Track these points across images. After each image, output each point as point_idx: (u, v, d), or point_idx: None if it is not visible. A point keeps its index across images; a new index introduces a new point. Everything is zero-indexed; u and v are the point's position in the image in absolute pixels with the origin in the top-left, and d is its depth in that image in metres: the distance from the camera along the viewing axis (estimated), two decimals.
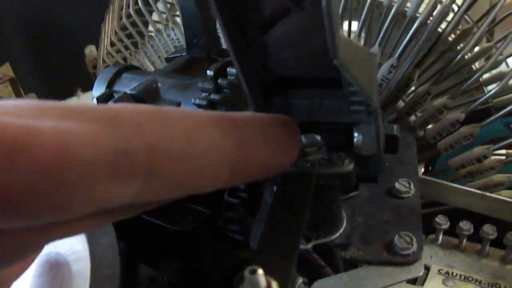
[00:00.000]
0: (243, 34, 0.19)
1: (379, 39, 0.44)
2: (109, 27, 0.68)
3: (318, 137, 0.22)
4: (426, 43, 0.42)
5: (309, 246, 0.24)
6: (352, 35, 0.52)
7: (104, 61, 0.68)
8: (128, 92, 0.34)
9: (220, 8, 0.17)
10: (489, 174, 0.44)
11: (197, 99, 0.31)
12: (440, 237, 0.39)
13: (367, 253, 0.25)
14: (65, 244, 0.30)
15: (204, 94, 0.31)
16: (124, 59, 0.68)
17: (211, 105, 0.30)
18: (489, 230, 0.37)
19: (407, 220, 0.26)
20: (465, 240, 0.38)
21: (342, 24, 0.51)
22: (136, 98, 0.34)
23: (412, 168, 0.29)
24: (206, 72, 0.32)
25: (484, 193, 0.38)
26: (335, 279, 0.24)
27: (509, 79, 0.44)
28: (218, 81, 0.31)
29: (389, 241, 0.25)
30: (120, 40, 0.67)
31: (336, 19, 0.15)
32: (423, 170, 0.55)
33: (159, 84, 0.35)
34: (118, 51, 0.68)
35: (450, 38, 0.47)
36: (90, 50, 0.96)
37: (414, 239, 0.25)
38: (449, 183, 0.38)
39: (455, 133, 0.43)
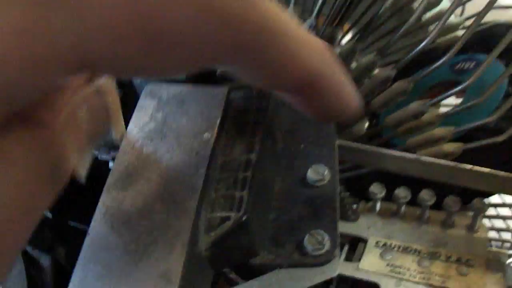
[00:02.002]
0: None
1: None
2: None
3: None
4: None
5: None
6: None
7: None
8: None
9: None
10: (429, 130, 0.42)
11: None
12: (378, 206, 0.37)
13: (278, 255, 0.23)
14: None
15: None
16: None
17: None
18: (426, 196, 0.36)
19: (320, 214, 0.24)
20: (403, 207, 0.37)
21: None
22: None
23: (327, 150, 0.27)
24: None
25: (419, 157, 0.36)
26: None
27: (447, 18, 0.40)
28: None
29: (300, 241, 0.23)
30: None
31: None
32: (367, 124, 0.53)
33: None
34: None
35: None
36: None
37: (327, 237, 0.23)
38: (381, 150, 0.36)
39: (386, 92, 0.40)
